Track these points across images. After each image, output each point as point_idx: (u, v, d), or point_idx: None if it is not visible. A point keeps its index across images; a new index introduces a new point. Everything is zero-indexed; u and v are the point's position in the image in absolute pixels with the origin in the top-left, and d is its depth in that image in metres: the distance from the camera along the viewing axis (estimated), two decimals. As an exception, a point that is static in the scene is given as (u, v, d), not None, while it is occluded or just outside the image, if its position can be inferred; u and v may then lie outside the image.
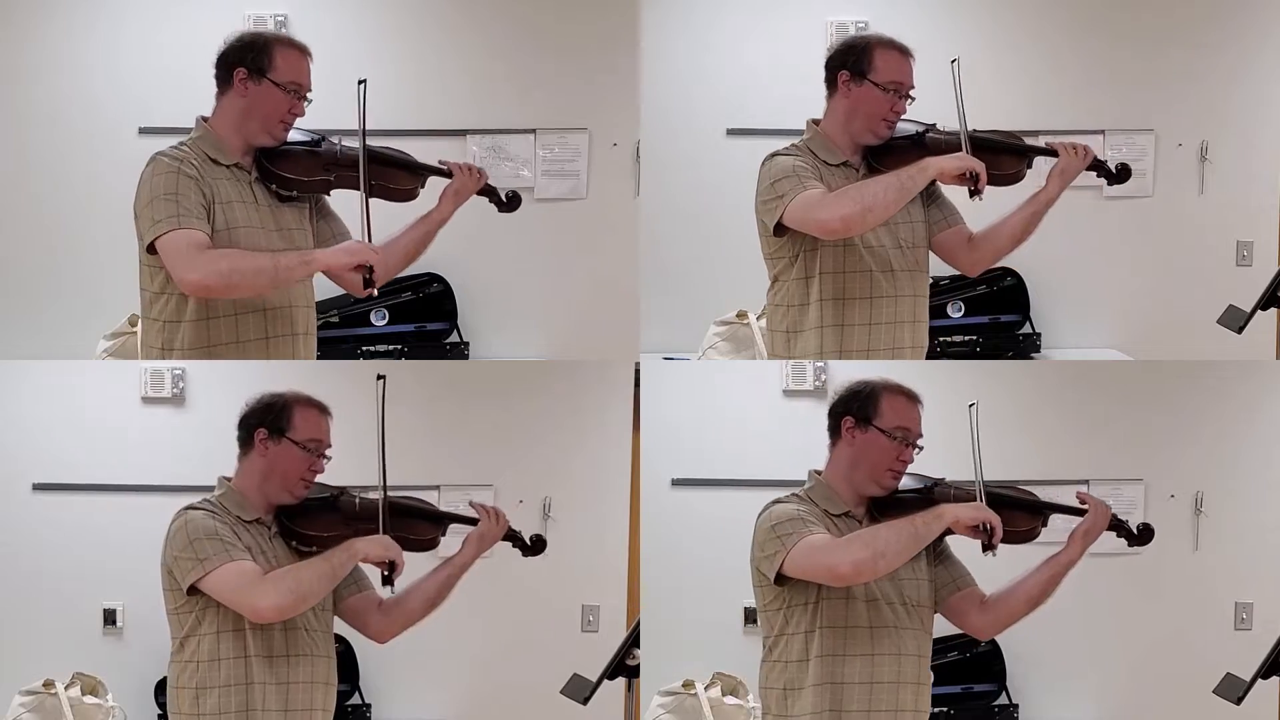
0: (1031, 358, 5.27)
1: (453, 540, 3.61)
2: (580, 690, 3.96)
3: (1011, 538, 3.50)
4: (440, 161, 3.73)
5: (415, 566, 3.55)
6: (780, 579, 3.41)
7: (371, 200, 3.65)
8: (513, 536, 3.65)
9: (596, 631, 4.97)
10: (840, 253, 3.68)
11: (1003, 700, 5.00)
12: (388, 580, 3.45)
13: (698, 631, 4.98)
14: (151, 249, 3.50)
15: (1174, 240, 5.29)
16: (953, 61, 3.70)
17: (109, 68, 5.16)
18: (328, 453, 3.53)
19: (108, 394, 4.96)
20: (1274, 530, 5.03)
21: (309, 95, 3.61)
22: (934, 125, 3.73)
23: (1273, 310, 4.11)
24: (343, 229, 3.72)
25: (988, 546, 3.39)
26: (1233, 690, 3.73)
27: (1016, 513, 3.51)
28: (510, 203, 3.83)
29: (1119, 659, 5.03)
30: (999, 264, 4.08)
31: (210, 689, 3.37)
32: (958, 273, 3.88)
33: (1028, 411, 5.01)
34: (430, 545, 3.58)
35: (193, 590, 3.35)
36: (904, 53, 3.69)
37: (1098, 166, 3.74)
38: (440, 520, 3.60)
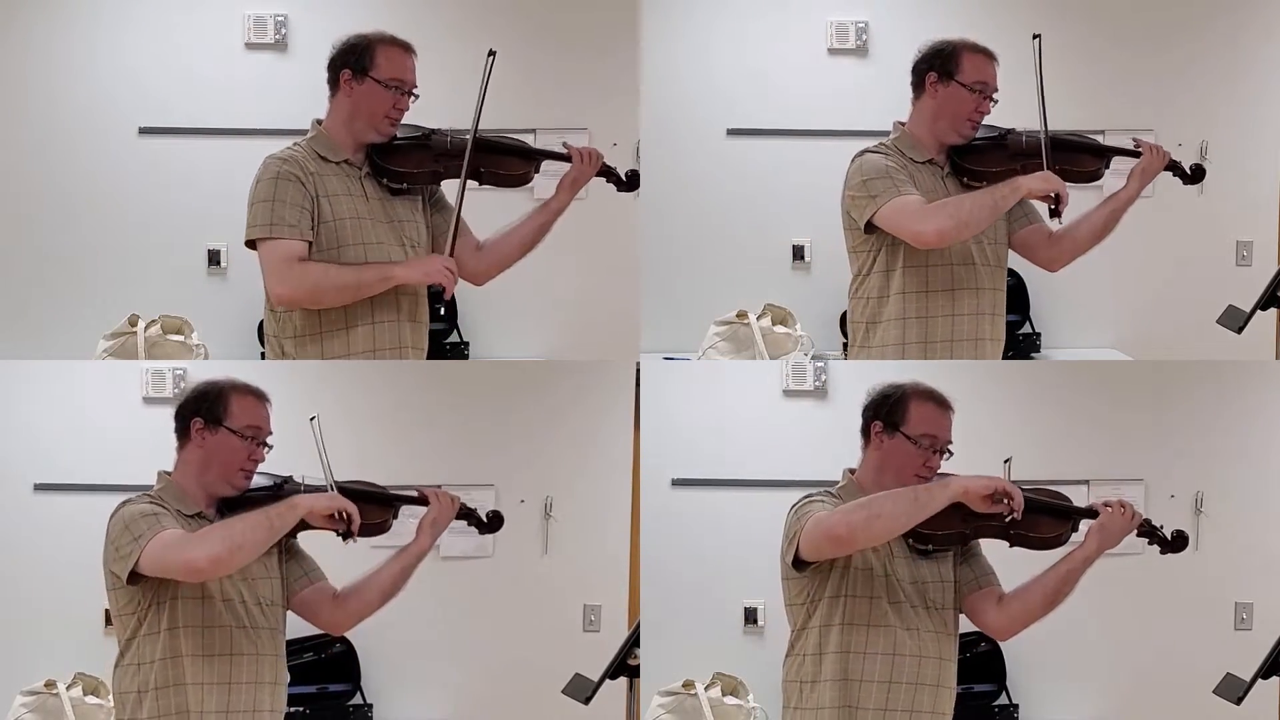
0: (1031, 358, 5.27)
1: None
2: (582, 690, 3.96)
3: (1038, 543, 3.50)
4: (565, 142, 3.79)
5: (367, 553, 3.50)
6: (800, 564, 3.42)
7: (485, 187, 3.75)
8: (468, 515, 3.60)
9: (598, 631, 4.97)
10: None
11: (1003, 700, 5.00)
12: (346, 535, 3.34)
13: (698, 631, 4.98)
14: (253, 246, 3.63)
15: (1174, 240, 5.29)
16: (1035, 36, 3.82)
17: (109, 68, 5.17)
18: (269, 441, 3.44)
19: (108, 394, 4.96)
20: (1274, 530, 5.03)
21: (414, 91, 3.70)
22: (1013, 129, 3.83)
23: (1273, 310, 4.13)
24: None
25: (1006, 518, 3.38)
26: (1233, 690, 3.73)
27: (1042, 518, 3.49)
28: (630, 181, 3.87)
29: (1119, 659, 5.03)
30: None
31: (148, 691, 3.31)
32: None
33: (1028, 411, 5.01)
34: (381, 529, 3.50)
35: (134, 580, 3.27)
36: (989, 56, 3.83)
37: (1173, 167, 3.88)
38: (390, 503, 3.53)
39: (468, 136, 3.70)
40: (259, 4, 5.20)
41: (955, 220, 3.67)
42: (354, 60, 3.68)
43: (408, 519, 3.56)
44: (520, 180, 3.81)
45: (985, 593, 3.53)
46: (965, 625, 3.58)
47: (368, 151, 3.70)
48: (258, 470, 3.44)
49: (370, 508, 3.47)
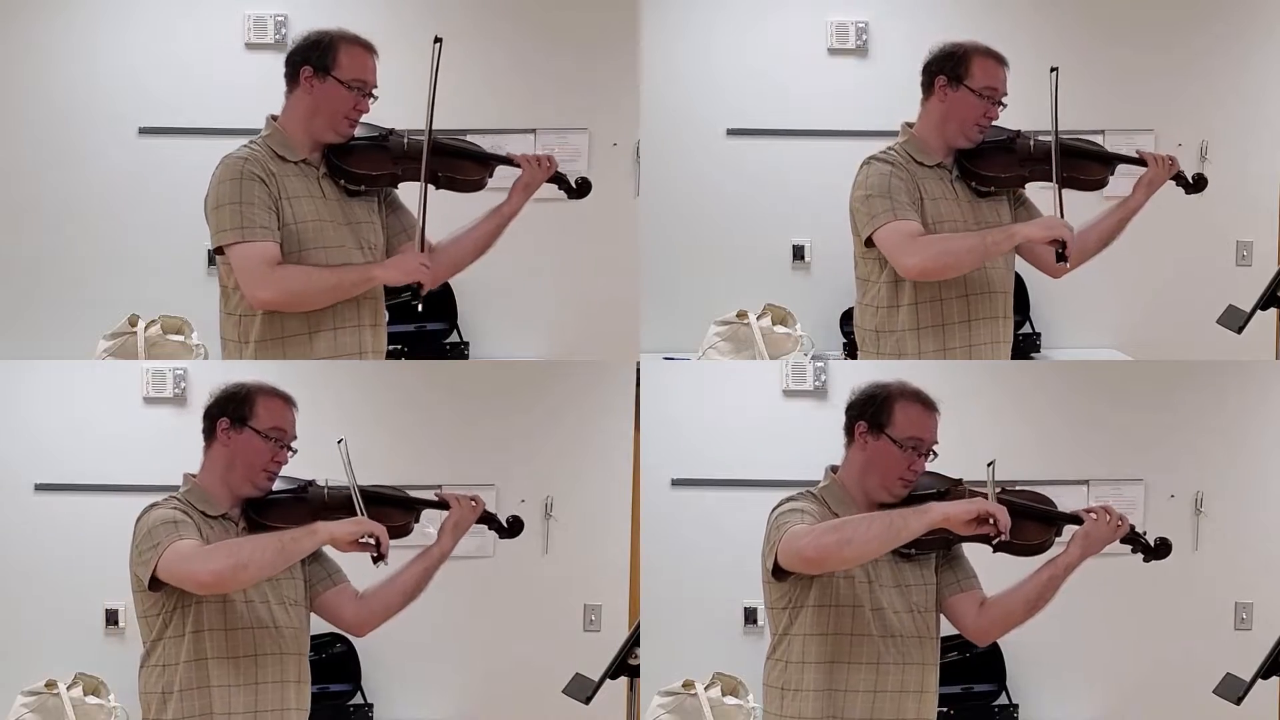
0: (1031, 358, 5.27)
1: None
2: (582, 690, 3.96)
3: (1021, 550, 3.46)
4: (509, 153, 3.78)
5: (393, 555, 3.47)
6: (781, 573, 3.40)
7: (440, 191, 3.72)
8: (489, 520, 3.63)
9: (599, 631, 4.97)
10: None
11: (1003, 700, 5.00)
12: (379, 558, 3.34)
13: (698, 631, 4.98)
14: (220, 250, 3.58)
15: (1174, 240, 5.29)
16: (1052, 70, 3.80)
17: (109, 68, 5.17)
18: (293, 445, 3.48)
19: (108, 394, 4.96)
20: (1274, 530, 5.03)
21: (374, 92, 3.67)
22: (1021, 132, 3.83)
23: (1273, 310, 4.13)
24: (411, 222, 3.76)
25: (993, 539, 3.31)
26: (1233, 690, 3.73)
27: (1027, 524, 3.46)
28: (580, 189, 3.87)
29: (1119, 659, 5.03)
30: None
31: (173, 693, 3.33)
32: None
33: (1028, 411, 5.01)
34: (403, 533, 3.52)
35: (155, 585, 3.29)
36: (999, 60, 3.81)
37: (1177, 177, 3.88)
38: (412, 506, 3.56)
39: (423, 140, 3.68)
40: (259, 4, 5.20)
41: (940, 261, 3.67)
42: (315, 57, 3.64)
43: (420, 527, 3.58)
44: (475, 185, 3.78)
45: (966, 596, 3.51)
46: (960, 626, 3.59)
47: (325, 152, 3.67)
48: (280, 474, 3.47)
49: (392, 511, 3.50)
